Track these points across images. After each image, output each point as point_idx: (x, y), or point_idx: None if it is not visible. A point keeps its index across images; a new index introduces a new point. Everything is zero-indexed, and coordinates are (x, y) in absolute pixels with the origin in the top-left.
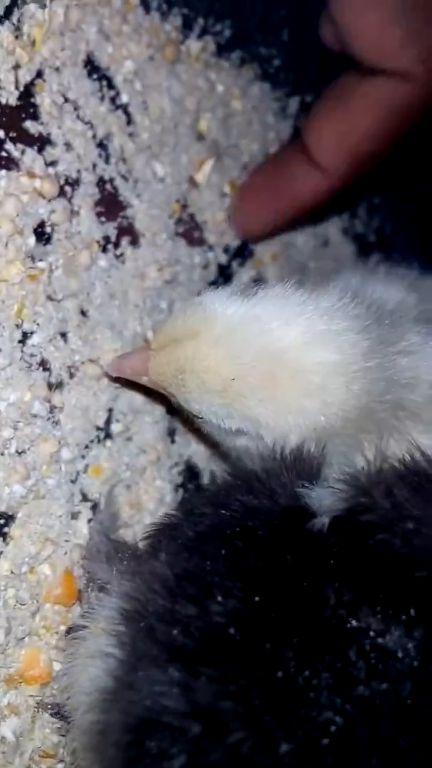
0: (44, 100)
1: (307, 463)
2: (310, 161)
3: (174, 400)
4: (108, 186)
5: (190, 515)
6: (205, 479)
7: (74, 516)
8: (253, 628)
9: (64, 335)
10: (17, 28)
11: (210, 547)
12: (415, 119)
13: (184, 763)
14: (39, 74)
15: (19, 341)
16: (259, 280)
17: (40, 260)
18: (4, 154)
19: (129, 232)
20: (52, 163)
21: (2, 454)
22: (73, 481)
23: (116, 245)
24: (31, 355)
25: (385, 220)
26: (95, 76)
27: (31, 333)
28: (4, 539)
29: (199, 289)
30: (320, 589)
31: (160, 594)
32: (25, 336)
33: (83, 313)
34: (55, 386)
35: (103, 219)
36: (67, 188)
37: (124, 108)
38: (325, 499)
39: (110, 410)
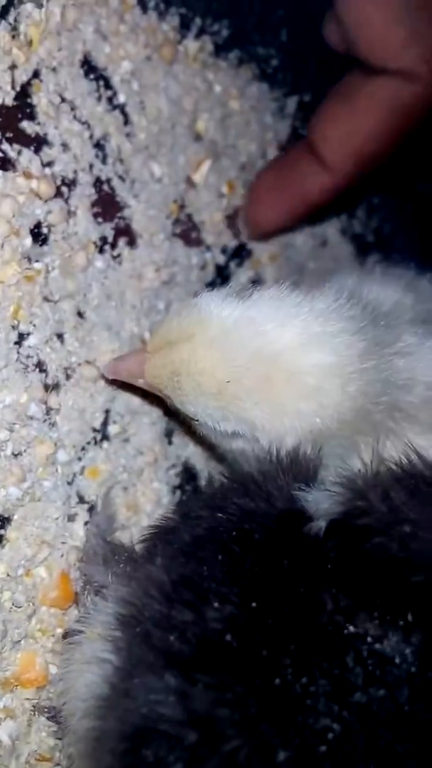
0: (41, 100)
1: (303, 465)
2: (318, 160)
3: (170, 402)
4: (105, 186)
5: (187, 518)
6: (203, 481)
7: (71, 518)
8: (250, 635)
9: (60, 336)
10: (14, 28)
11: (206, 552)
12: (420, 119)
13: None
14: (36, 74)
15: (16, 342)
16: (257, 281)
17: (37, 261)
18: (0, 154)
19: (126, 232)
20: (49, 164)
21: None
22: (69, 483)
23: (113, 246)
24: (28, 357)
25: (384, 220)
26: (92, 76)
27: (28, 334)
28: (0, 542)
29: (197, 290)
30: (317, 594)
31: (156, 599)
32: (22, 337)
33: (80, 314)
34: (51, 388)
35: (100, 220)
36: (64, 189)
37: (121, 108)
38: (321, 502)
39: (107, 412)
